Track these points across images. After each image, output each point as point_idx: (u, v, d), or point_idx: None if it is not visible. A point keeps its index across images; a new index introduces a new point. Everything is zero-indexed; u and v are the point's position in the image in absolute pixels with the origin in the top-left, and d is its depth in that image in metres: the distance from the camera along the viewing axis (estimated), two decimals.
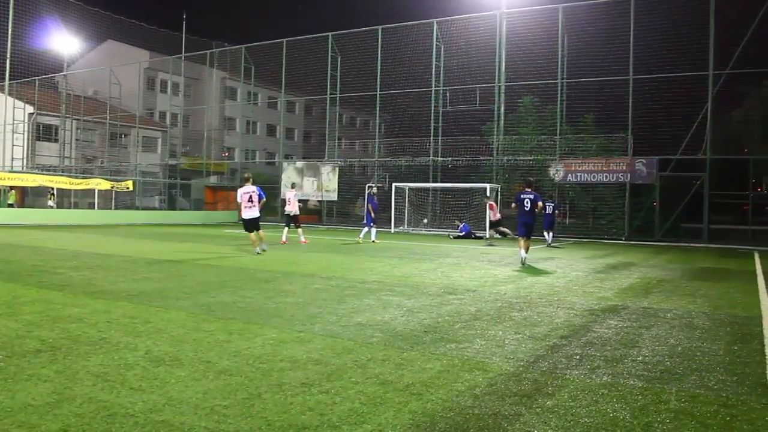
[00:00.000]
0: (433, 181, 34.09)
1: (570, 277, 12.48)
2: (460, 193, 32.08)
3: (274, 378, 4.66)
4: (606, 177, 28.96)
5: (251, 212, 16.22)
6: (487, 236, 25.01)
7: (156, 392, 4.25)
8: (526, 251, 14.86)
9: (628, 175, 28.34)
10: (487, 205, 24.41)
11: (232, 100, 57.34)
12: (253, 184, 16.62)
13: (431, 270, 13.03)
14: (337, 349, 5.67)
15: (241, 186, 16.66)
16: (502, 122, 32.84)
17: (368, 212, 22.55)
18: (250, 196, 16.13)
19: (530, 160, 31.63)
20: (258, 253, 15.85)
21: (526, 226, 14.98)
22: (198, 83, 57.01)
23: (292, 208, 21.14)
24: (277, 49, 41.17)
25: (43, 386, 4.32)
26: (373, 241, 22.13)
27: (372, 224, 22.53)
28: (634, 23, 28.38)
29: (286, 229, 21.45)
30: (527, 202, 14.90)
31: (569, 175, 29.82)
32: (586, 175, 29.45)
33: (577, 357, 5.63)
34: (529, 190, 15.17)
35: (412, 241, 23.98)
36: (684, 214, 29.09)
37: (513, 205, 15.70)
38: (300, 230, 21.32)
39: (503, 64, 32.47)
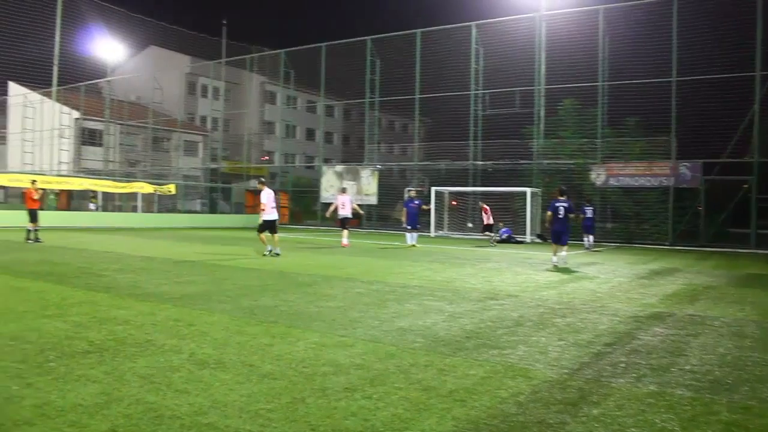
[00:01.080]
0: (473, 185, 33.91)
1: (613, 282, 12.31)
2: (500, 197, 31.86)
3: (317, 382, 4.67)
4: (649, 181, 28.47)
5: (274, 214, 16.72)
6: (491, 240, 25.62)
7: (201, 395, 4.30)
8: (561, 255, 15.41)
9: (672, 178, 27.82)
10: (481, 209, 25.30)
11: (271, 104, 57.91)
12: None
13: (472, 275, 12.96)
14: (379, 353, 5.67)
15: (259, 189, 16.93)
16: (542, 125, 32.54)
17: (408, 216, 22.58)
18: (274, 200, 16.82)
19: (571, 163, 31.28)
20: (270, 254, 16.22)
21: (559, 234, 15.50)
22: (238, 88, 57.68)
23: (347, 211, 21.77)
24: (316, 54, 41.38)
25: (92, 387, 4.40)
26: (412, 245, 22.07)
27: (411, 228, 22.48)
28: (677, 24, 27.87)
29: (345, 231, 21.84)
30: (561, 210, 15.34)
31: (611, 179, 29.39)
32: (628, 179, 29.00)
33: (623, 365, 5.54)
34: (563, 198, 15.56)
35: (452, 246, 23.89)
36: (730, 218, 28.46)
37: (548, 213, 15.82)
38: (346, 232, 21.72)
39: (543, 66, 32.17)
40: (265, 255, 16.15)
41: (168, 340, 5.94)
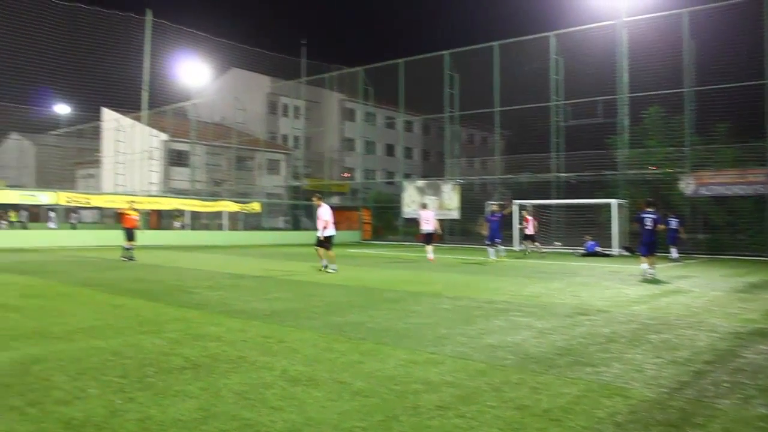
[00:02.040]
0: (556, 198, 33.33)
1: (708, 296, 11.82)
2: (584, 209, 31.19)
3: (410, 400, 4.65)
4: (743, 189, 27.26)
5: (333, 230, 16.84)
6: (529, 249, 25.90)
7: (295, 412, 4.34)
8: (651, 266, 15.30)
9: None
10: (523, 218, 25.54)
11: (351, 121, 58.62)
12: None
13: (560, 289, 12.70)
14: (469, 371, 5.61)
15: (317, 205, 17.05)
16: (626, 135, 31.73)
17: (490, 230, 22.36)
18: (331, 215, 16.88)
19: (658, 173, 30.34)
20: (325, 269, 16.30)
21: (647, 245, 15.45)
22: (318, 106, 58.63)
23: (430, 226, 21.97)
24: (394, 70, 41.67)
25: (190, 402, 4.51)
26: (493, 260, 21.82)
27: (491, 242, 22.22)
28: None
29: (429, 246, 22.00)
30: (648, 221, 15.31)
31: (701, 188, 28.32)
32: (719, 187, 27.86)
33: (727, 385, 5.28)
34: (651, 209, 15.52)
35: (536, 260, 23.51)
36: None
37: (635, 224, 15.74)
38: (430, 247, 21.87)
39: (625, 74, 31.38)
40: (321, 270, 16.25)
41: (260, 357, 6.04)
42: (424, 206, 24.09)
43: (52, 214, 45.54)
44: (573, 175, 33.47)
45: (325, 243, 16.62)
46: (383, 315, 8.84)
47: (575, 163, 33.56)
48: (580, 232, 29.98)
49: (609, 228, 28.15)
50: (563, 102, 34.42)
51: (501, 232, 22.70)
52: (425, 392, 4.87)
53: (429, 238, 22.16)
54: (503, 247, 22.31)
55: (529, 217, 26.16)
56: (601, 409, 4.50)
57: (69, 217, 44.05)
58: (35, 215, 51.05)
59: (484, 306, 9.95)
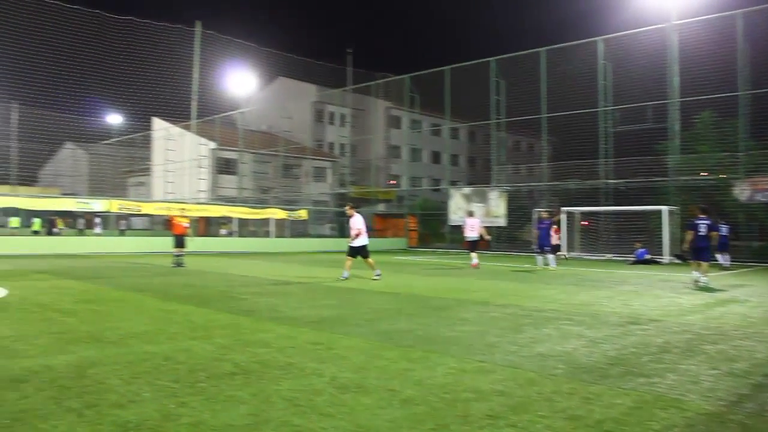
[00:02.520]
0: (605, 205, 32.83)
1: (766, 306, 11.49)
2: (634, 216, 30.67)
3: (459, 409, 4.61)
4: None
5: (366, 239, 16.55)
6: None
7: (345, 419, 4.34)
8: (704, 274, 15.19)
9: None
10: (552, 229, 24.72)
11: (396, 129, 58.69)
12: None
13: (610, 298, 12.49)
14: (519, 380, 5.54)
15: (349, 215, 16.73)
16: (677, 140, 31.11)
17: (539, 238, 22.13)
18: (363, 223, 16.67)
19: (710, 179, 29.67)
20: (345, 279, 15.97)
21: (701, 251, 15.38)
22: (364, 114, 58.89)
23: (476, 233, 22.38)
24: (440, 77, 41.63)
25: (241, 408, 4.54)
26: (543, 267, 21.61)
27: (540, 250, 22.00)
28: None
29: (474, 253, 22.32)
30: (703, 228, 15.25)
31: (757, 194, 27.58)
32: None
33: None
34: (704, 216, 15.44)
35: (585, 267, 23.20)
36: None
37: (688, 232, 15.46)
38: (474, 254, 22.12)
39: (676, 78, 30.77)
40: (341, 279, 15.90)
41: (309, 363, 6.07)
42: (470, 213, 24.16)
43: (97, 220, 46.67)
44: (622, 182, 32.95)
45: (360, 252, 16.38)
46: (431, 322, 8.81)
47: (624, 169, 33.04)
48: (629, 239, 29.49)
49: (659, 235, 27.61)
50: (611, 107, 33.93)
51: (550, 239, 22.44)
52: (475, 401, 4.83)
53: (474, 246, 22.42)
54: (552, 256, 22.01)
55: (558, 228, 25.99)
56: (656, 422, 4.40)
57: (118, 224, 45.00)
58: (88, 222, 52.21)
59: (533, 314, 9.84)
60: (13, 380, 5.24)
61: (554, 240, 25.20)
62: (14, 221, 45.02)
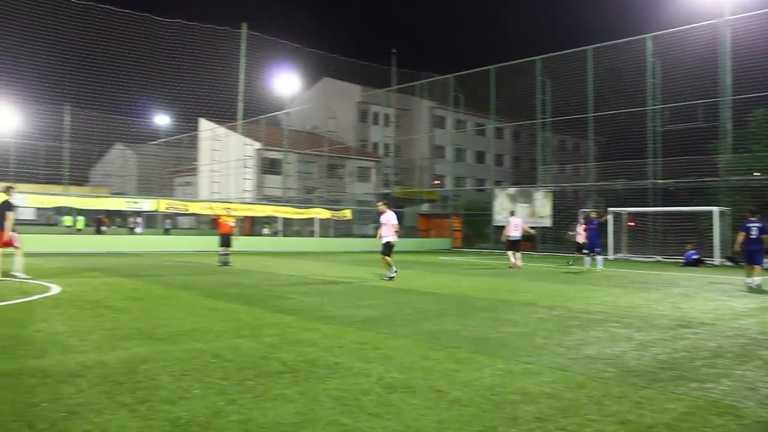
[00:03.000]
0: (653, 206, 32.24)
1: None
2: (684, 217, 30.05)
3: (507, 411, 4.57)
4: None
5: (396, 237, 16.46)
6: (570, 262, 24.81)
7: (393, 419, 4.33)
8: (758, 277, 14.89)
9: None
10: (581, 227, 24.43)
11: (440, 129, 58.53)
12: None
13: (659, 300, 12.26)
14: (568, 383, 5.46)
15: (383, 212, 16.57)
16: (729, 139, 30.38)
17: (589, 239, 21.81)
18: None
19: (764, 179, 28.90)
20: (392, 277, 15.96)
21: (752, 254, 15.12)
22: (408, 114, 58.88)
23: (518, 232, 22.65)
24: (484, 76, 41.40)
25: (289, 406, 4.57)
26: (589, 269, 21.33)
27: (590, 251, 21.70)
28: None
29: (511, 252, 22.62)
30: (754, 230, 14.96)
31: None
32: None
33: None
34: (755, 218, 15.15)
35: (632, 269, 22.82)
36: None
37: (740, 234, 15.11)
38: (518, 254, 22.35)
39: (728, 76, 30.04)
40: (390, 278, 15.89)
41: (356, 363, 6.08)
42: (512, 213, 24.17)
43: (139, 220, 47.58)
44: (671, 182, 32.31)
45: (386, 248, 16.29)
46: (477, 323, 8.76)
47: (673, 169, 32.40)
48: (677, 241, 28.92)
49: (710, 237, 27.01)
50: (660, 106, 33.30)
51: (599, 240, 22.10)
52: (523, 403, 4.77)
53: (516, 245, 22.54)
54: (601, 257, 21.70)
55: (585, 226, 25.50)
56: (710, 428, 4.29)
57: (164, 223, 45.81)
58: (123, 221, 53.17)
59: (581, 316, 9.71)
60: (70, 374, 5.37)
61: (580, 239, 24.63)
62: (68, 220, 46.12)
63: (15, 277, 13.83)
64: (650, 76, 33.21)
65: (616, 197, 34.50)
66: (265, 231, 41.44)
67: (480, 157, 62.34)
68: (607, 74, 35.69)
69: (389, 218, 16.32)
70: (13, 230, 14.08)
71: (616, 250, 30.78)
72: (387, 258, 16.22)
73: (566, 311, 10.29)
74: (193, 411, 4.38)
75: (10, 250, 14.24)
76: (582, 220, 25.66)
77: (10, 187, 14.63)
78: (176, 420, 4.18)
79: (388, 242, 16.28)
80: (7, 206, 14.02)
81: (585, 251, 21.89)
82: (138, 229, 46.75)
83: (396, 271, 16.23)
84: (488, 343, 7.23)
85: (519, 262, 22.08)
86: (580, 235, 24.30)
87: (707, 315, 10.13)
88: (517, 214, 25.10)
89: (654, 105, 33.29)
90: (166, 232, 44.50)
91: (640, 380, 5.60)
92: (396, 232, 16.42)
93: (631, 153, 34.88)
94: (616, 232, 30.91)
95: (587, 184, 37.82)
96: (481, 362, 6.22)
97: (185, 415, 4.27)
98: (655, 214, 32.06)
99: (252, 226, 43.17)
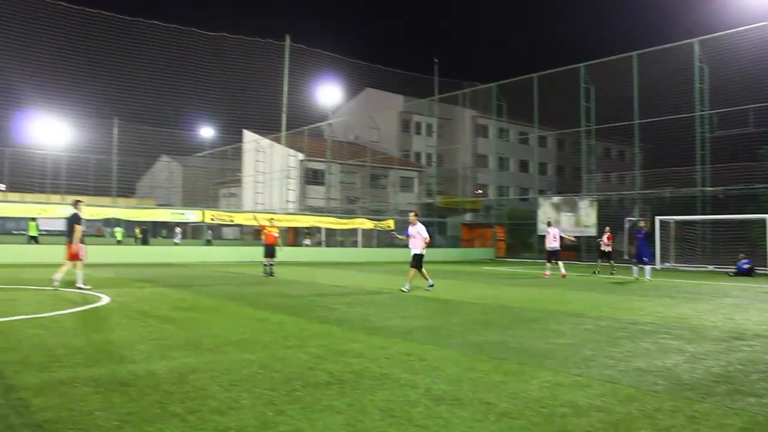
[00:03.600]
0: (702, 214, 31.55)
1: None
2: (733, 225, 29.35)
3: (557, 424, 4.50)
4: None
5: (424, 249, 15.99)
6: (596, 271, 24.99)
7: (441, 431, 4.30)
8: None
9: None
10: (606, 236, 25.41)
11: (483, 138, 58.28)
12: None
13: (710, 311, 11.98)
14: (619, 395, 5.36)
15: (413, 223, 16.21)
16: None
17: (637, 248, 21.49)
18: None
19: None
20: (431, 287, 15.79)
21: None
22: (450, 123, 58.77)
23: (557, 243, 22.84)
24: (527, 85, 41.07)
25: (337, 417, 4.56)
26: (636, 279, 20.98)
27: (638, 260, 21.33)
28: None
29: (550, 263, 23.03)
30: None
31: None
32: None
33: None
34: None
35: (680, 279, 22.37)
36: None
37: None
38: (561, 263, 22.45)
39: None
40: (429, 289, 15.67)
41: (402, 374, 6.05)
42: (549, 223, 24.50)
43: (177, 230, 48.28)
44: (720, 189, 31.59)
45: (416, 259, 15.91)
46: (523, 334, 8.66)
47: (723, 176, 31.69)
48: (728, 249, 28.26)
49: (763, 246, 26.33)
50: (709, 111, 32.62)
51: (648, 249, 21.75)
52: (573, 416, 4.69)
53: (555, 255, 22.77)
54: (649, 267, 21.33)
55: (611, 234, 25.51)
56: None
57: (206, 233, 46.43)
58: (174, 230, 54.02)
59: (629, 327, 9.53)
60: (121, 383, 5.45)
61: (606, 247, 24.88)
62: (118, 232, 47.12)
63: (81, 289, 14.05)
64: (698, 81, 32.56)
65: (663, 205, 33.87)
66: (306, 242, 41.65)
67: (523, 165, 61.87)
68: (653, 80, 35.12)
69: (419, 230, 15.94)
70: (81, 242, 14.46)
71: (664, 259, 30.20)
72: (419, 270, 15.82)
73: (614, 322, 10.12)
74: (242, 421, 4.40)
75: (75, 261, 14.49)
76: (607, 229, 25.75)
77: (79, 201, 15.04)
78: (226, 430, 4.21)
79: (418, 254, 15.89)
80: (76, 219, 14.42)
81: (634, 260, 21.56)
82: (176, 240, 47.39)
83: (432, 284, 16.00)
84: (535, 355, 7.14)
85: (562, 271, 21.99)
86: (607, 245, 24.28)
87: (762, 326, 9.86)
88: (553, 224, 25.31)
89: (702, 110, 32.62)
90: (207, 243, 45.00)
91: (694, 394, 5.46)
92: (427, 244, 16.00)
93: (679, 160, 34.25)
94: (663, 242, 30.34)
95: (633, 192, 37.19)
96: (528, 374, 6.15)
97: (235, 426, 4.30)
98: (704, 222, 31.37)
99: (295, 236, 43.50)
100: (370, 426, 4.38)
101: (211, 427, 4.28)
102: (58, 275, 14.15)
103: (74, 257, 14.36)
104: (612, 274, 24.16)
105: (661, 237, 29.98)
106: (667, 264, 30.16)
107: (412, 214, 16.68)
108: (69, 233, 14.38)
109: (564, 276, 21.74)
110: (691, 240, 31.95)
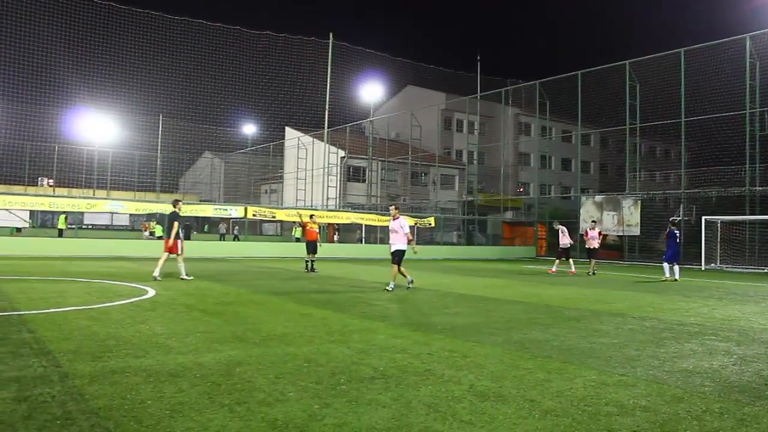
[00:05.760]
0: (750, 214, 30.88)
1: None
2: None
3: (602, 423, 4.48)
4: None
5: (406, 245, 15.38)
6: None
7: (486, 427, 4.32)
8: None
9: None
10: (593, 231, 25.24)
11: (526, 136, 57.84)
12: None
13: (758, 313, 11.75)
14: (665, 396, 5.31)
15: (395, 217, 15.50)
16: None
17: (668, 247, 21.14)
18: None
19: None
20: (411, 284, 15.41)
21: None
22: (492, 121, 58.47)
23: (596, 243, 24.20)
24: (571, 82, 40.65)
25: (382, 411, 4.62)
26: (665, 279, 20.61)
27: (668, 260, 20.93)
28: None
29: (593, 261, 24.21)
30: None
31: None
32: None
33: None
34: None
35: (726, 280, 21.94)
36: None
37: None
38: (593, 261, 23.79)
39: None
40: (392, 289, 14.82)
41: (446, 371, 6.08)
42: (594, 222, 26.06)
43: (222, 227, 48.84)
44: None
45: (396, 256, 15.17)
46: (566, 333, 8.61)
47: None
48: None
49: None
50: (759, 109, 31.88)
51: (670, 248, 21.28)
52: (618, 415, 4.67)
53: (591, 254, 24.28)
54: (677, 267, 20.97)
55: (590, 231, 24.84)
56: None
57: (250, 228, 46.83)
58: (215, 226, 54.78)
59: (674, 328, 9.41)
60: (170, 374, 5.59)
61: (594, 244, 24.04)
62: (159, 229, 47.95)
63: (184, 279, 15.75)
64: (748, 77, 31.83)
65: (709, 205, 33.23)
66: (336, 238, 41.55)
67: (566, 164, 61.26)
68: (701, 77, 34.44)
69: (402, 225, 15.30)
70: (178, 238, 16.00)
71: (709, 260, 29.65)
72: (397, 267, 15.10)
73: (659, 322, 9.99)
74: (289, 413, 4.49)
75: (172, 255, 16.11)
76: (593, 224, 25.91)
77: (177, 201, 16.81)
78: (273, 422, 4.29)
79: (399, 250, 15.22)
80: (175, 217, 16.07)
81: (665, 261, 21.17)
82: (225, 233, 47.88)
83: (412, 280, 15.53)
84: (579, 354, 7.10)
85: (572, 268, 24.04)
86: (594, 240, 24.06)
87: None
88: (597, 222, 26.14)
89: (752, 108, 31.90)
90: (235, 239, 45.24)
91: (743, 396, 5.39)
92: (409, 240, 15.30)
93: (726, 159, 33.60)
94: (708, 242, 29.78)
95: (678, 191, 36.54)
96: (572, 372, 6.13)
97: (282, 417, 4.38)
98: (752, 222, 30.70)
99: (334, 233, 43.76)
100: (415, 420, 4.42)
101: (259, 418, 4.37)
102: (157, 270, 15.81)
103: (171, 250, 15.92)
104: (590, 274, 23.18)
105: (706, 237, 29.41)
106: (713, 265, 29.59)
107: (393, 207, 15.98)
108: (168, 229, 16.22)
109: (573, 273, 23.36)
110: (738, 241, 31.29)
